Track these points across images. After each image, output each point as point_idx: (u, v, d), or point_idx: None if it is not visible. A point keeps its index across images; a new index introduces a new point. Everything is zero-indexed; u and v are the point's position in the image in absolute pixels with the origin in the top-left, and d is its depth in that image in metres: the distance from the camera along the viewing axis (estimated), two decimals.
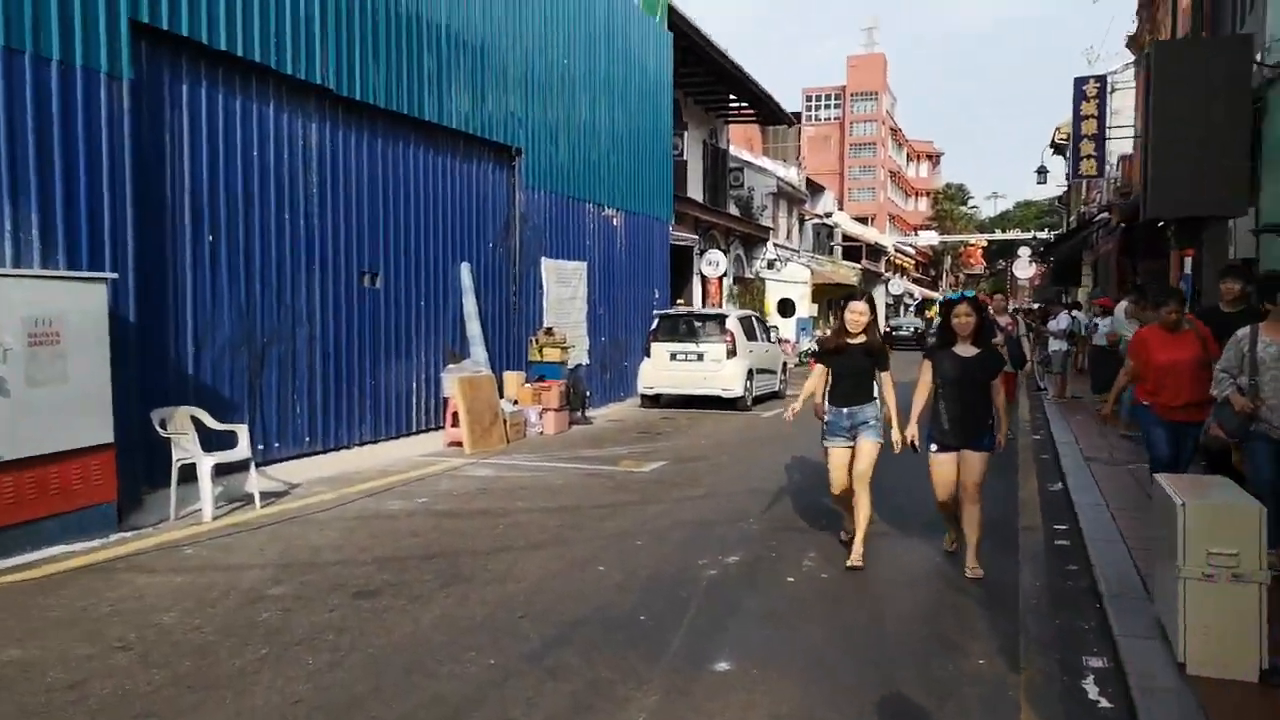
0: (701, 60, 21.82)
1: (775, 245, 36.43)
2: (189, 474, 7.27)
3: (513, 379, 12.39)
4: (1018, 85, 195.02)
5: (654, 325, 15.62)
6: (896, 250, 67.87)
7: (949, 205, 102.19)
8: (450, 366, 11.46)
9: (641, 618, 4.77)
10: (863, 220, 69.97)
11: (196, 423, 7.51)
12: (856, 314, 5.89)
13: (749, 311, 17.82)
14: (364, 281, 10.27)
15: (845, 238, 53.88)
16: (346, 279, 9.98)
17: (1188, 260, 15.03)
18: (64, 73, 6.66)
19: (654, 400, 15.57)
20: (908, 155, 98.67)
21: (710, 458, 10.26)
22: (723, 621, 4.76)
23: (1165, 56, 9.68)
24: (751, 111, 30.37)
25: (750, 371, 15.28)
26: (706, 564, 5.84)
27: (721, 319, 15.31)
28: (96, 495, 6.38)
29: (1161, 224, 16.07)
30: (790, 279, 37.07)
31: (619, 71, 16.20)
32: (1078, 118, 24.60)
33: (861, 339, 5.88)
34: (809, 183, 49.14)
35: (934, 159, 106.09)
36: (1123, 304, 11.31)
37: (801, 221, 45.82)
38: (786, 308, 34.53)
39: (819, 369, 6.16)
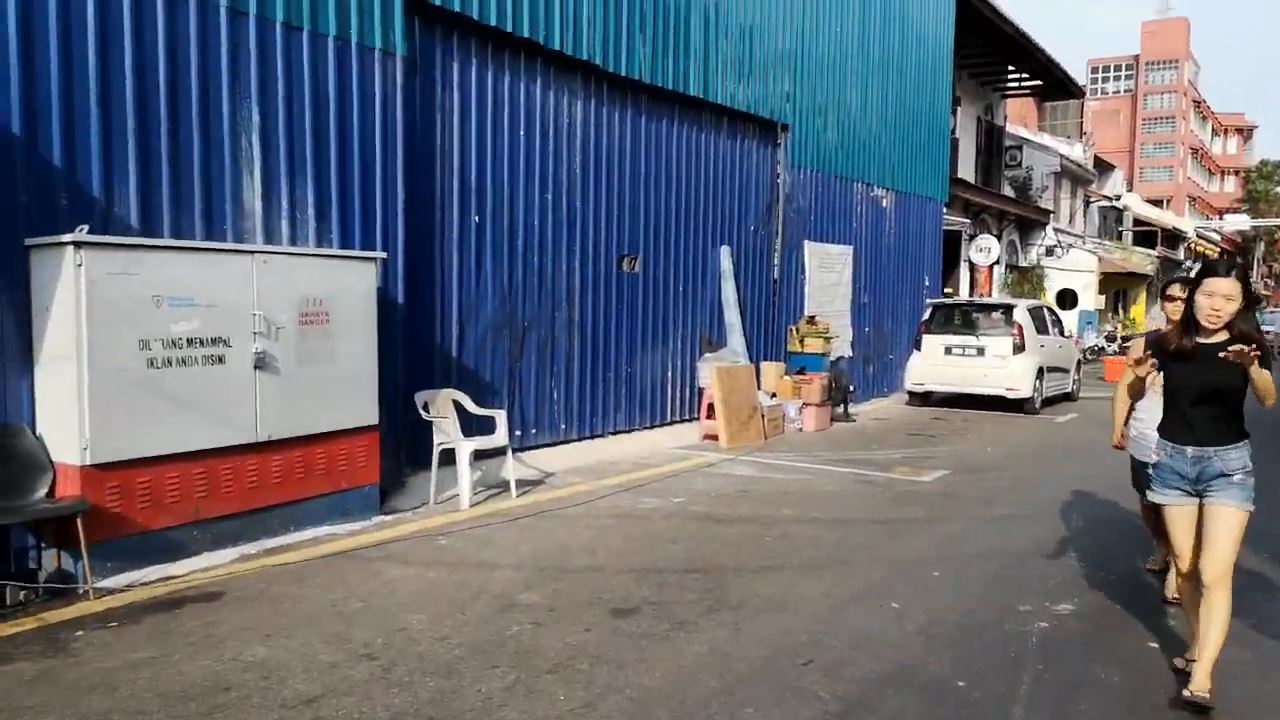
0: (979, 27, 19.77)
1: (1055, 230, 33.03)
2: (449, 457, 7.10)
3: (771, 370, 11.57)
4: None
5: (926, 315, 14.21)
6: (1198, 236, 59.97)
7: (1263, 185, 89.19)
8: (707, 355, 10.83)
9: (961, 684, 3.79)
10: (1156, 203, 62.56)
11: (458, 407, 7.35)
12: (1219, 297, 3.66)
13: (1039, 301, 15.87)
14: (622, 265, 9.85)
15: (1137, 222, 48.23)
16: (605, 262, 9.60)
17: None
18: (340, 49, 6.62)
19: (923, 398, 14.18)
20: (1213, 129, 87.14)
21: (1003, 469, 8.90)
22: (1074, 701, 3.68)
23: None
24: (1034, 83, 27.52)
25: (1040, 370, 13.49)
26: (1031, 611, 4.73)
27: (1009, 309, 13.62)
28: (360, 477, 6.29)
29: None
30: (1073, 267, 33.52)
31: (894, 40, 14.84)
32: None
33: (1222, 336, 3.70)
34: (1097, 161, 44.47)
35: (1245, 132, 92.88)
36: None
37: (1087, 204, 41.47)
38: (1067, 299, 31.21)
39: (1130, 376, 4.21)
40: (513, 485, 7.37)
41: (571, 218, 9.13)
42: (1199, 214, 75.12)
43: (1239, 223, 71.08)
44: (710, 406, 10.40)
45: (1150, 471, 4.07)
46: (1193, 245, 57.57)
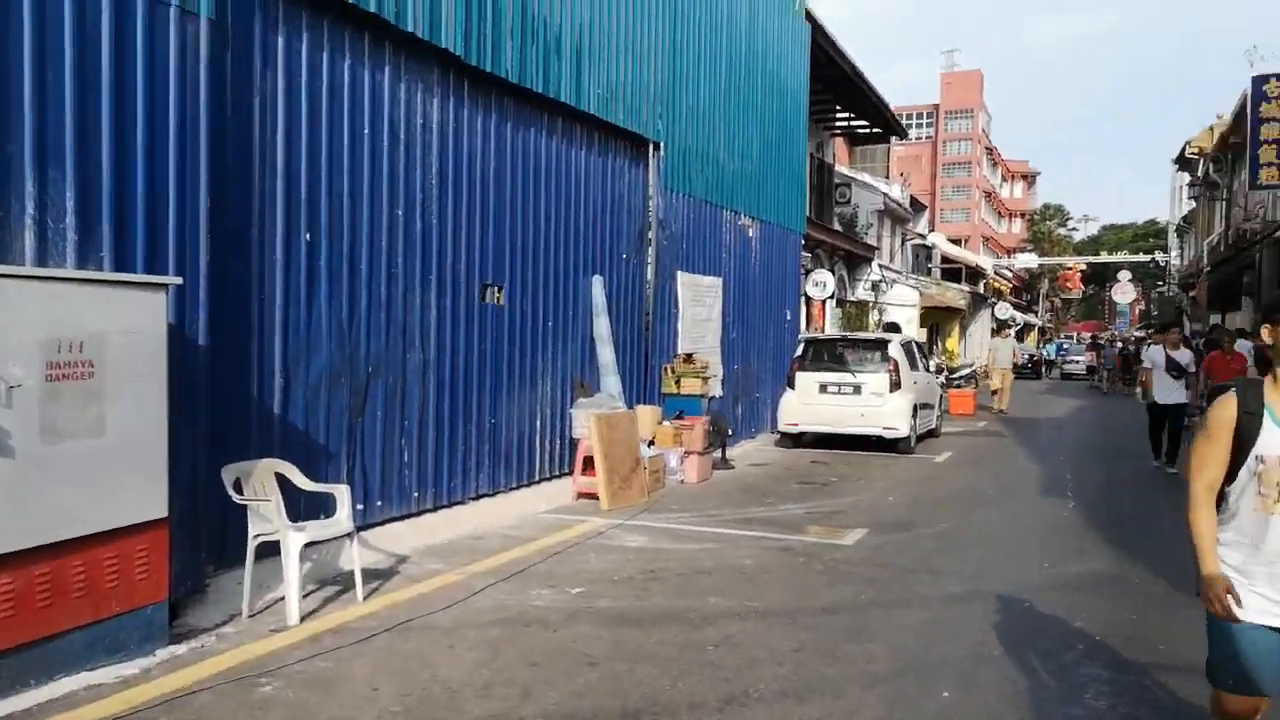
0: (814, 63, 19.63)
1: (880, 266, 33.93)
2: (270, 549, 5.32)
3: (647, 415, 10.28)
4: (1111, 103, 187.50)
5: (799, 351, 13.40)
6: (995, 273, 64.39)
7: (1046, 226, 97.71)
8: (581, 401, 9.41)
9: None
10: (956, 242, 66.72)
11: (282, 482, 5.57)
12: None
13: (909, 336, 15.50)
14: (486, 297, 8.31)
15: (944, 259, 50.97)
16: (467, 293, 8.02)
17: None
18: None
19: (795, 439, 13.30)
20: (1002, 175, 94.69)
21: (920, 524, 7.96)
22: None
23: None
24: (863, 123, 28.10)
25: (915, 407, 12.93)
26: None
27: (883, 345, 13.01)
28: (140, 595, 4.43)
29: None
30: (897, 301, 34.57)
31: (757, 64, 14.11)
32: (1255, 121, 21.72)
33: None
34: (912, 201, 46.55)
35: (1029, 179, 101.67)
36: None
37: (904, 242, 43.21)
38: (893, 332, 32.00)
39: (1209, 449, 2.79)
40: (359, 583, 5.64)
41: (427, 239, 7.51)
42: (992, 253, 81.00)
43: (1028, 261, 77.08)
44: (587, 460, 8.98)
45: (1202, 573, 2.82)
46: (991, 281, 61.68)
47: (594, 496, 8.74)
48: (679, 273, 11.69)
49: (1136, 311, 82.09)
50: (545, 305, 9.16)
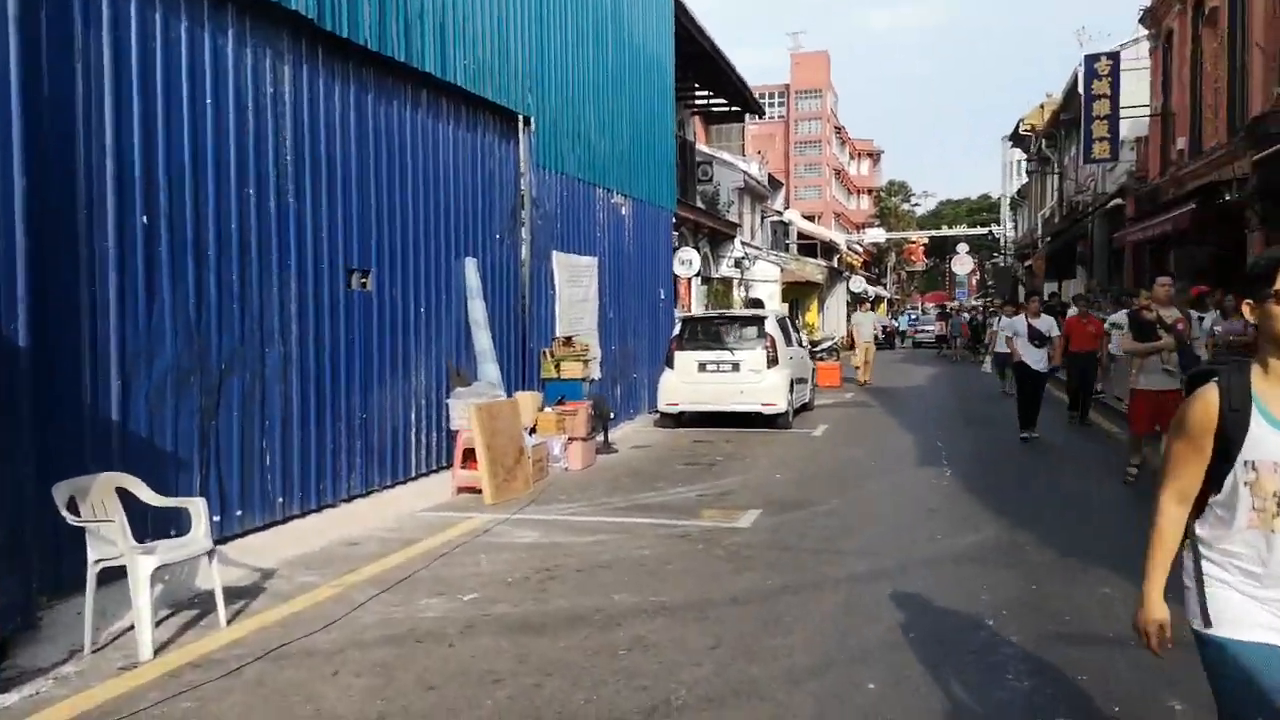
0: (676, 40, 19.50)
1: (743, 243, 34.41)
2: (115, 572, 4.67)
3: (528, 401, 9.87)
4: (947, 85, 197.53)
5: (677, 330, 13.27)
6: (848, 248, 66.73)
7: (891, 202, 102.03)
8: (459, 390, 8.91)
9: None
10: (810, 218, 68.75)
11: (126, 497, 4.91)
12: None
13: (782, 312, 15.61)
14: (352, 282, 7.69)
15: (800, 235, 52.35)
16: (330, 279, 7.39)
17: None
18: None
19: (675, 419, 13.18)
20: (850, 153, 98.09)
21: (813, 502, 7.91)
22: None
23: None
24: (721, 101, 28.28)
25: (791, 383, 13.02)
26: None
27: (759, 321, 13.02)
28: None
29: (1239, 200, 14.33)
30: (761, 278, 35.21)
31: (624, 39, 13.78)
32: (1089, 97, 23.03)
33: None
34: (770, 179, 47.48)
35: (874, 157, 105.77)
36: None
37: (763, 219, 44.02)
38: (757, 308, 32.52)
39: (1185, 452, 2.31)
40: (221, 605, 5.04)
41: (284, 221, 6.84)
42: (843, 228, 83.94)
43: (876, 235, 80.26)
44: (467, 452, 8.51)
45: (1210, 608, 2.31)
46: (844, 256, 63.92)
47: (476, 490, 8.30)
48: (554, 253, 11.29)
49: (974, 281, 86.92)
50: (416, 290, 8.60)
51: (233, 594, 5.37)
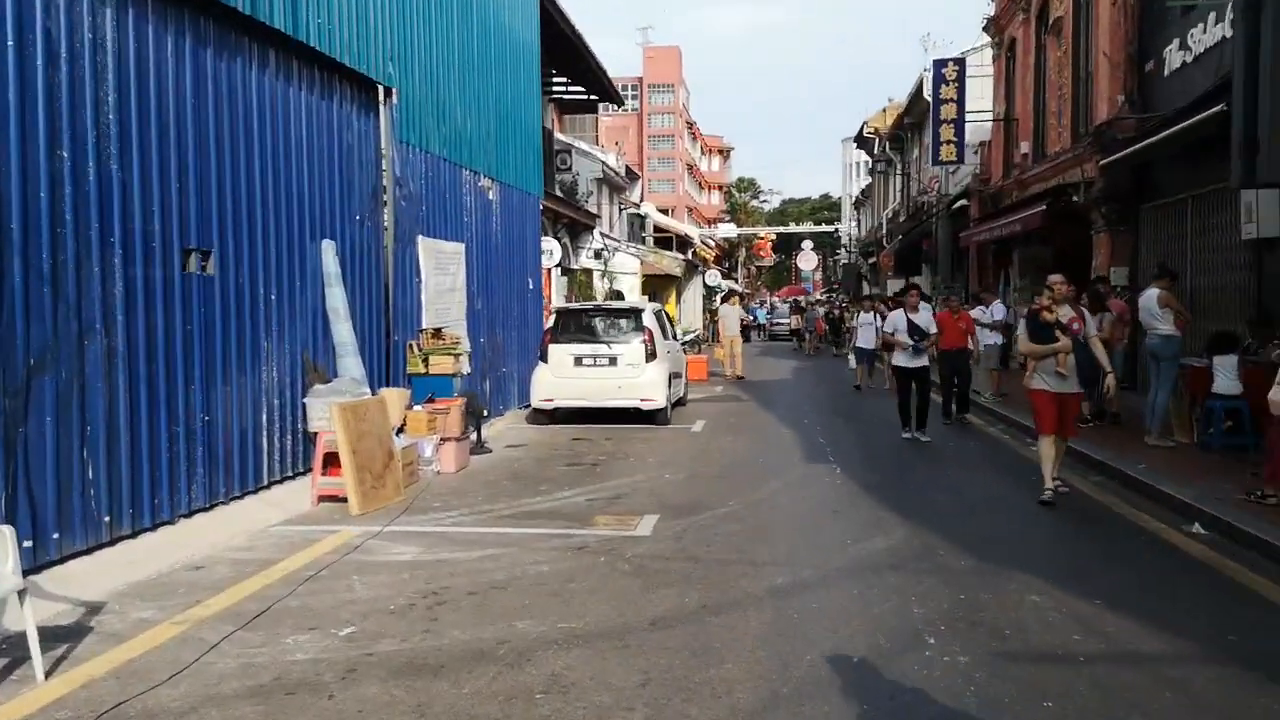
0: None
1: (602, 234, 34.04)
2: None
3: (395, 399, 9.00)
4: (792, 86, 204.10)
5: (551, 322, 12.62)
6: (701, 242, 67.66)
7: (742, 198, 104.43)
8: (317, 388, 7.98)
9: None
10: (664, 212, 69.30)
11: None
12: None
13: (657, 305, 15.21)
14: (190, 265, 6.66)
15: (656, 228, 52.56)
16: (165, 261, 6.35)
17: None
18: None
19: (548, 415, 12.54)
20: (701, 149, 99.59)
21: (710, 504, 7.48)
22: None
23: None
24: (580, 90, 27.71)
25: (669, 377, 12.63)
26: None
27: (637, 314, 12.55)
28: None
29: (1081, 203, 15.01)
30: (620, 269, 34.94)
31: (489, 15, 12.96)
32: (937, 102, 23.84)
33: None
34: (628, 170, 47.36)
35: (725, 153, 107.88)
36: (1153, 291, 9.62)
37: (621, 211, 43.87)
38: (617, 300, 32.22)
39: None
40: (36, 655, 4.08)
41: (106, 191, 5.79)
42: (695, 223, 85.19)
43: (728, 230, 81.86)
44: (329, 457, 7.61)
45: None
46: (698, 250, 64.77)
47: (341, 499, 7.43)
48: (420, 237, 10.41)
49: (818, 277, 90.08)
50: (266, 275, 7.61)
51: (52, 637, 4.42)
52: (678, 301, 46.68)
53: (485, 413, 10.56)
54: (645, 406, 12.06)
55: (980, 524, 6.80)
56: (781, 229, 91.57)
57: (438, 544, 6.35)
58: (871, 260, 50.56)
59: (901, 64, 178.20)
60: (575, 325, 12.57)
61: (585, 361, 12.14)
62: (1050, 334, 7.29)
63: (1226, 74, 10.78)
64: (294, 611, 4.94)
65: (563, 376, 12.14)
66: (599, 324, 12.56)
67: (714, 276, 57.48)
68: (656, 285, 42.89)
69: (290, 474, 7.91)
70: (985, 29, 23.21)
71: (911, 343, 10.83)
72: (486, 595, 5.18)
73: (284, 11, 7.54)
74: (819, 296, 54.52)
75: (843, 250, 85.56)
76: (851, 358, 18.49)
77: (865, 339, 17.27)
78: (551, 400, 12.23)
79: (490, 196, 13.05)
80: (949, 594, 5.11)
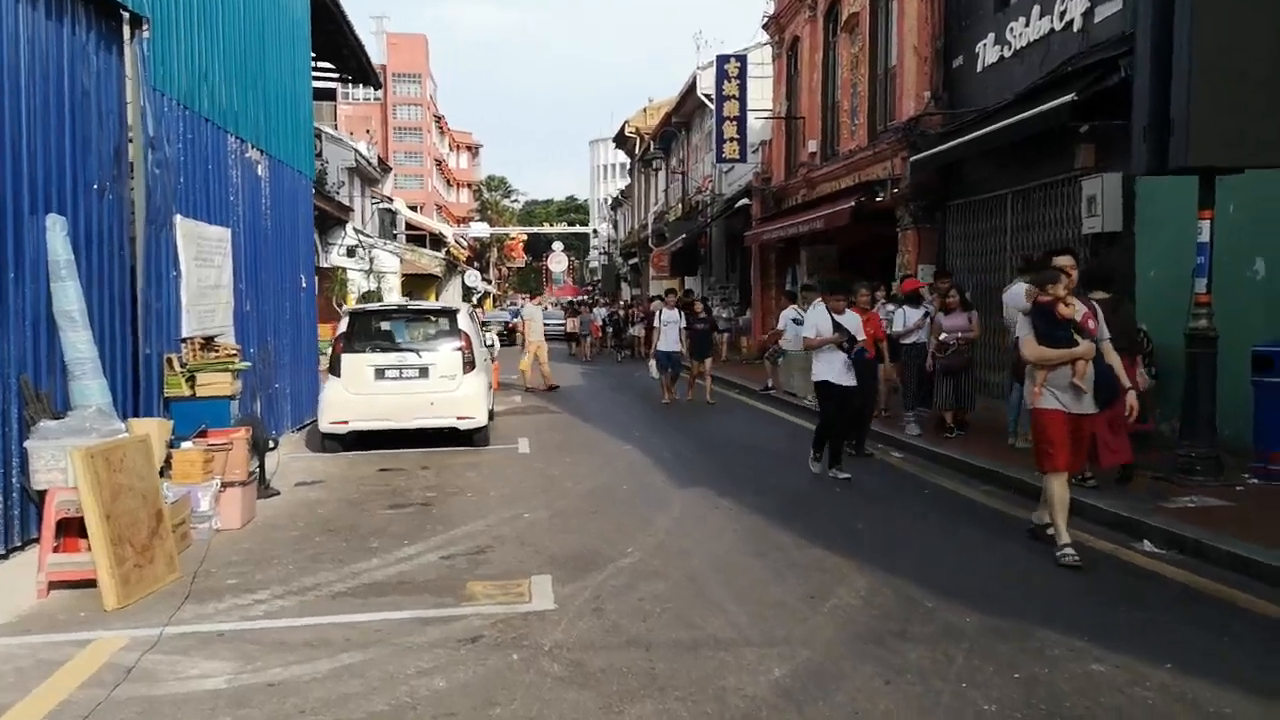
0: None
1: (355, 230, 31.11)
2: None
3: (155, 434, 6.64)
4: (539, 85, 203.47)
5: (344, 328, 10.43)
6: (455, 241, 65.01)
7: (493, 197, 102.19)
8: (45, 426, 5.58)
9: None
10: (413, 208, 66.05)
11: None
12: None
13: (470, 306, 13.29)
14: None
15: (409, 226, 49.66)
16: None
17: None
18: None
19: (340, 440, 10.34)
20: (450, 145, 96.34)
21: (607, 554, 5.92)
22: None
23: None
24: (330, 67, 24.92)
25: (488, 389, 10.88)
26: None
27: (451, 315, 10.68)
28: None
29: (883, 199, 14.96)
30: (379, 268, 32.17)
31: None
32: (720, 98, 23.58)
33: None
34: (380, 161, 44.23)
35: (474, 150, 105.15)
36: (1018, 286, 9.20)
37: (374, 205, 40.84)
38: (373, 299, 29.37)
39: None
40: None
41: None
42: (445, 221, 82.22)
43: (481, 230, 79.70)
44: (65, 524, 5.30)
45: None
46: (452, 249, 62.14)
47: (89, 584, 5.16)
48: (178, 217, 8.01)
49: (570, 279, 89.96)
50: None
51: None
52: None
53: (272, 444, 8.32)
54: (464, 425, 10.24)
55: (937, 562, 5.79)
56: (537, 230, 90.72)
57: (258, 653, 4.36)
58: (633, 261, 50.50)
59: (650, 62, 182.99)
60: (374, 330, 10.49)
61: (389, 374, 10.11)
62: (1068, 335, 5.60)
63: (1058, 67, 10.86)
64: None
65: (360, 393, 10.03)
66: (404, 329, 10.58)
67: (473, 277, 55.40)
68: (415, 285, 40.28)
69: (6, 549, 5.47)
70: (765, 27, 23.19)
71: (845, 352, 8.33)
72: None
73: None
74: (595, 297, 51.82)
75: (594, 251, 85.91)
76: (652, 364, 15.64)
77: (669, 341, 14.99)
78: (347, 423, 10.07)
79: (260, 172, 10.65)
80: (996, 671, 3.98)
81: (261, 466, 8.00)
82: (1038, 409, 5.73)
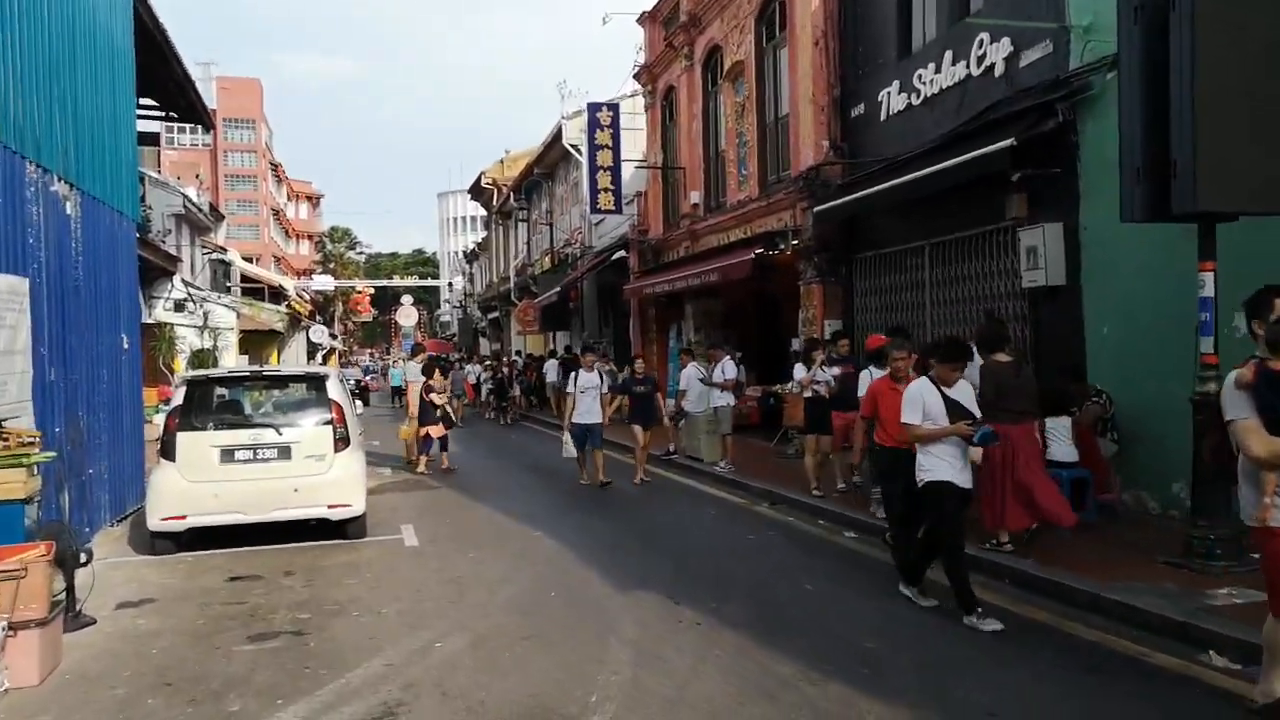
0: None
1: (184, 282, 28.12)
2: None
3: None
4: (384, 138, 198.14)
5: (179, 399, 8.44)
6: (297, 294, 61.14)
7: (337, 249, 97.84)
8: None
9: None
10: (248, 260, 61.89)
11: None
12: None
13: (337, 369, 11.39)
14: None
15: (245, 278, 46.18)
16: None
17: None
18: None
19: (174, 539, 8.30)
20: (288, 193, 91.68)
21: (563, 713, 4.45)
22: None
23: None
24: (154, 104, 22.43)
25: (364, 469, 9.09)
26: None
27: (318, 382, 8.84)
28: None
29: (784, 253, 14.21)
30: (214, 324, 29.12)
31: None
32: (593, 148, 22.58)
33: None
34: (212, 209, 40.91)
35: (314, 200, 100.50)
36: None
37: (205, 255, 37.57)
38: (208, 362, 25.94)
39: None
40: None
41: None
42: (283, 273, 77.74)
43: (325, 283, 75.85)
44: None
45: None
46: (294, 303, 58.31)
47: None
48: None
49: (420, 334, 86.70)
50: None
51: None
52: (279, 360, 40.87)
53: (84, 559, 6.30)
54: (336, 516, 8.43)
55: (997, 689, 4.62)
56: (385, 282, 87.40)
57: None
58: (493, 315, 48.63)
59: (502, 114, 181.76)
60: (219, 402, 8.58)
61: (240, 455, 8.20)
62: None
63: (981, 113, 10.32)
64: None
65: (202, 480, 8.06)
66: (257, 399, 8.70)
67: (319, 332, 52.08)
68: (255, 343, 37.04)
69: None
70: (636, 77, 22.47)
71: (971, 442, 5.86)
72: None
73: None
74: (463, 353, 48.07)
75: (445, 305, 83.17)
76: (568, 439, 12.27)
77: (588, 412, 11.98)
78: (184, 518, 8.06)
79: (69, 210, 8.61)
80: None
81: (70, 588, 6.02)
82: (1271, 526, 3.96)
